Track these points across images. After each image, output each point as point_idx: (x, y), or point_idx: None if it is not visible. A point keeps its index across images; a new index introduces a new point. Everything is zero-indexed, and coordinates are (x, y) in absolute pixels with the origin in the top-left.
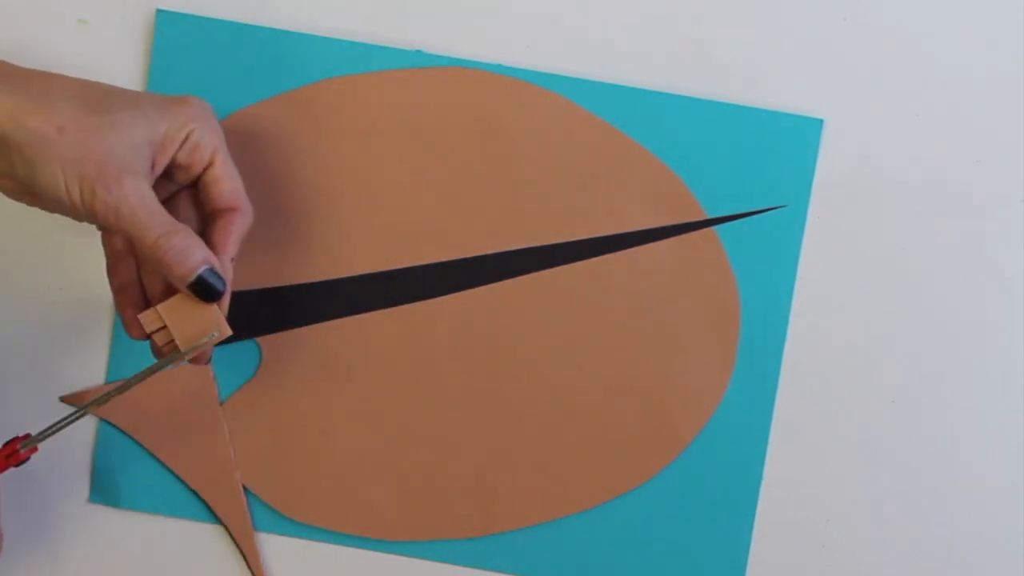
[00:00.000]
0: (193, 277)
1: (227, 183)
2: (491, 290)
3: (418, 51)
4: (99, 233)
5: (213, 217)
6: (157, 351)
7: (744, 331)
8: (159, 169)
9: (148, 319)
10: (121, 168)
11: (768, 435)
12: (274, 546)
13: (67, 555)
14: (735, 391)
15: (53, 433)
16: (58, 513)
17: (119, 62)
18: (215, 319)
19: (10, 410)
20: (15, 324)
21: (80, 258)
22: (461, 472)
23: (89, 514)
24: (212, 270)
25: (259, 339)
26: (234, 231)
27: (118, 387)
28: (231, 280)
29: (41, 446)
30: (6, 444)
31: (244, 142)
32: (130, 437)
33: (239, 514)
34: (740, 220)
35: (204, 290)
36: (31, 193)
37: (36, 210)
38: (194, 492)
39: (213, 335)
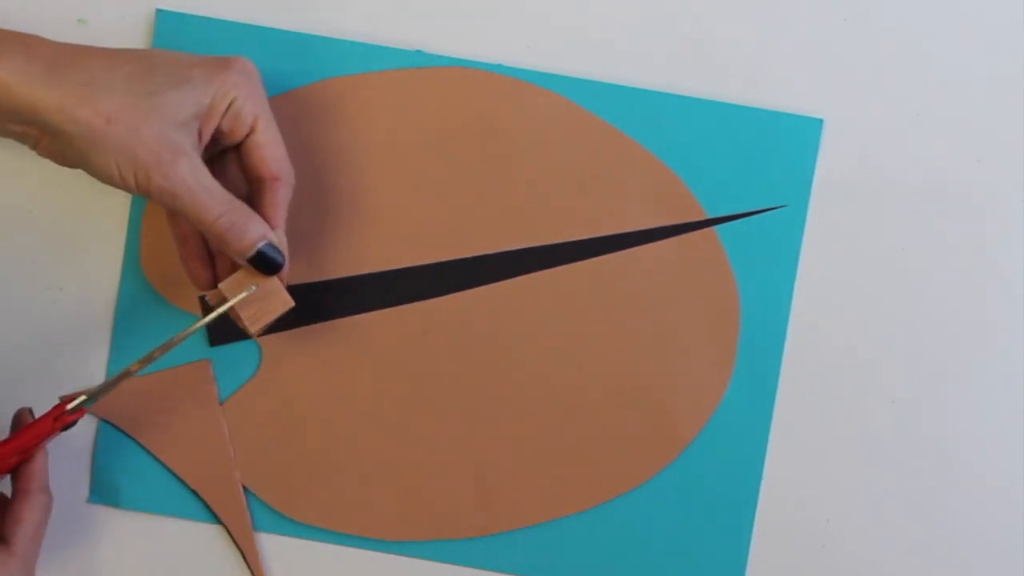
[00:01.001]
0: (252, 252)
1: (269, 149)
2: (491, 290)
3: (418, 51)
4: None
5: (258, 184)
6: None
7: (744, 331)
8: (206, 138)
9: (213, 297)
10: (174, 151)
11: (768, 435)
12: (274, 546)
13: (67, 555)
14: (735, 391)
15: (104, 392)
16: (58, 513)
17: None
18: (277, 292)
19: (10, 410)
20: (15, 324)
21: (80, 258)
22: (461, 472)
23: (89, 514)
24: (271, 244)
25: (259, 339)
26: (280, 201)
27: (163, 346)
28: (287, 251)
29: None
30: (54, 407)
31: None
32: (130, 437)
33: (239, 514)
34: (740, 220)
35: (264, 263)
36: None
37: (36, 210)
38: (194, 492)
39: (251, 288)
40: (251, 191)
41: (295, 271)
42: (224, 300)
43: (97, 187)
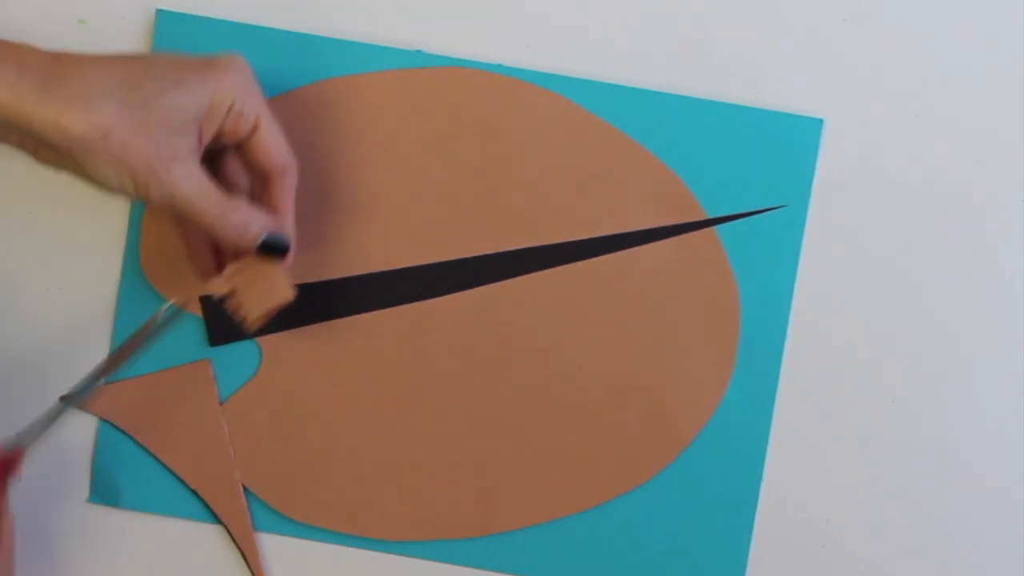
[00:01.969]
0: (258, 243)
1: (273, 144)
2: (491, 290)
3: (418, 51)
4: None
5: (265, 178)
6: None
7: (744, 331)
8: (206, 140)
9: (216, 286)
10: (169, 159)
11: (768, 435)
12: (274, 546)
13: (67, 555)
14: (735, 391)
15: (84, 393)
16: (58, 513)
17: None
18: (280, 280)
19: (10, 410)
20: (15, 324)
21: (80, 258)
22: (461, 472)
23: (89, 514)
24: (273, 234)
25: (259, 339)
26: (288, 191)
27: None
28: (295, 238)
29: (41, 446)
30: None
31: None
32: (130, 437)
33: (239, 514)
34: (740, 220)
35: (269, 252)
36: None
37: (36, 210)
38: (194, 492)
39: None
40: (257, 184)
41: (294, 271)
42: (228, 287)
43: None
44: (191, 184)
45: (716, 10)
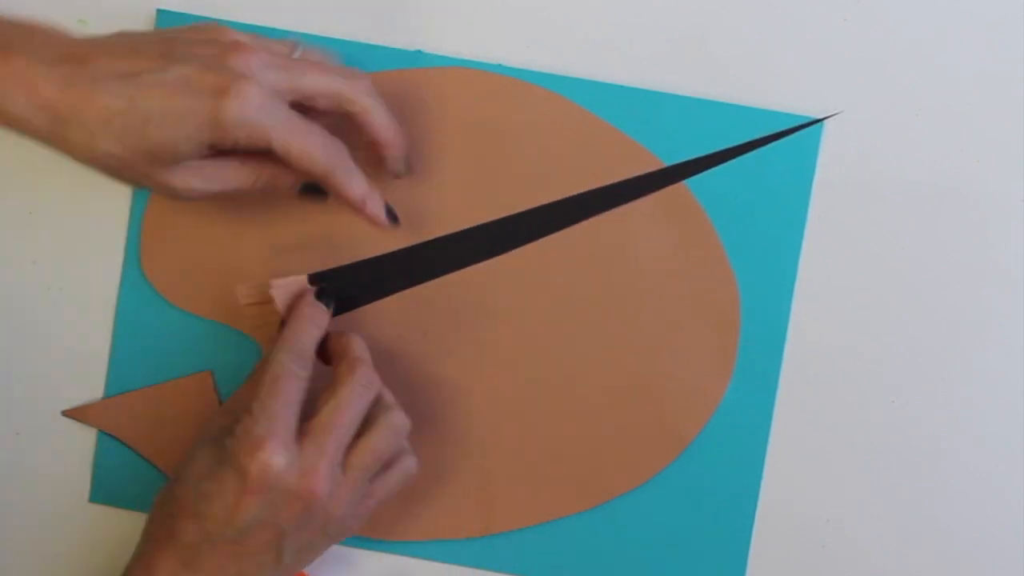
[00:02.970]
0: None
1: (297, 151)
2: (491, 292)
3: (418, 51)
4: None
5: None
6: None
7: (744, 331)
8: (216, 149)
9: (243, 292)
10: (169, 159)
11: (768, 435)
12: None
13: (67, 555)
14: (735, 391)
15: None
16: (58, 513)
17: None
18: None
19: (10, 410)
20: (15, 326)
21: (80, 258)
22: (462, 472)
23: (89, 514)
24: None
25: (259, 340)
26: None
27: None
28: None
29: (41, 446)
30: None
31: None
32: (132, 450)
33: None
34: (740, 220)
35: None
36: None
37: (36, 210)
38: None
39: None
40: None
41: (293, 271)
42: (255, 297)
43: (97, 187)
44: (187, 189)
45: (716, 10)
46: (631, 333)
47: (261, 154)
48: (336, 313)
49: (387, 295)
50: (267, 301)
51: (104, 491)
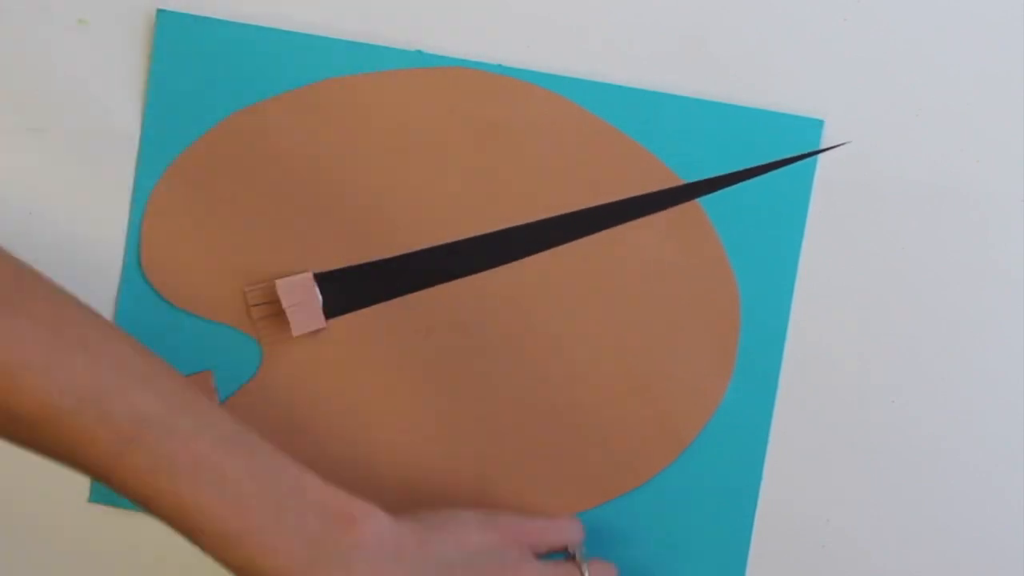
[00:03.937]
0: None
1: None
2: (492, 292)
3: (418, 51)
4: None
5: None
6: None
7: (744, 331)
8: None
9: (254, 293)
10: None
11: (768, 435)
12: None
13: (67, 555)
14: (735, 391)
15: None
16: (58, 513)
17: (119, 62)
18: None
19: None
20: None
21: (80, 258)
22: (461, 473)
23: (89, 514)
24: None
25: (259, 340)
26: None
27: None
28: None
29: None
30: None
31: (244, 142)
32: None
33: None
34: (740, 220)
35: None
36: None
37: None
38: None
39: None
40: None
41: (293, 271)
42: (263, 297)
43: (97, 187)
44: None
45: (716, 10)
46: (631, 333)
47: None
48: (339, 313)
49: (392, 297)
50: (273, 300)
51: (104, 491)
